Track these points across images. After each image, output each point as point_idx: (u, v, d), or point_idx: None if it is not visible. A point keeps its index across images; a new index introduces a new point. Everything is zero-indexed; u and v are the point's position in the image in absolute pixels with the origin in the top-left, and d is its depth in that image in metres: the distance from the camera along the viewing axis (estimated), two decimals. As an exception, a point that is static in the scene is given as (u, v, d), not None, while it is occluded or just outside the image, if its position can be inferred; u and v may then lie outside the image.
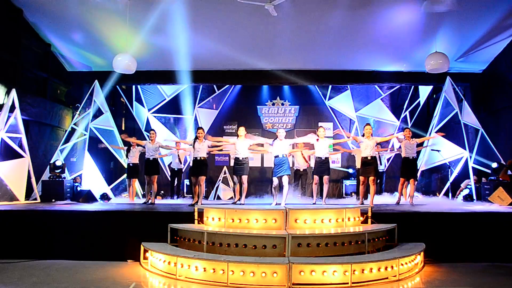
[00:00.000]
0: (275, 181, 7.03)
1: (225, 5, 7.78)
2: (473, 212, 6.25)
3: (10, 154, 7.94)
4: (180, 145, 10.21)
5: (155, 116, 11.92)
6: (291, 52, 9.45)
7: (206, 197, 10.88)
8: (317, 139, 7.47)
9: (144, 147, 8.39)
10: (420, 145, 8.53)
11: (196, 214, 5.91)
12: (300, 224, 5.47)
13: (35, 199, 8.33)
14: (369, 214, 5.95)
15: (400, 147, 8.16)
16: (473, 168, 9.30)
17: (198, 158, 7.48)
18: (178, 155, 10.21)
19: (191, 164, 8.24)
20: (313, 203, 7.43)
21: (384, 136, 7.99)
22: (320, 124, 11.56)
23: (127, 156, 8.98)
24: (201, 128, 7.72)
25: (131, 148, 8.82)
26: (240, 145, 7.42)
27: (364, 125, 7.90)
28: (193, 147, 7.52)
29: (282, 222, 5.42)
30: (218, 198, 11.17)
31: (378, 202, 7.98)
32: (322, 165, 7.44)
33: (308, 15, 8.10)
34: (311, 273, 4.51)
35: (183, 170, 10.65)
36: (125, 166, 9.45)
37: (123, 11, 7.93)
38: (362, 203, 7.53)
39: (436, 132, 9.75)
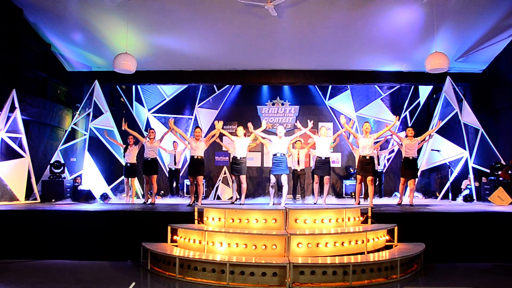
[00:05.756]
0: (273, 178, 7.04)
1: (225, 5, 7.78)
2: (473, 212, 6.25)
3: (10, 154, 7.95)
4: (178, 146, 10.23)
5: (155, 116, 11.93)
6: (291, 52, 9.45)
7: (206, 197, 10.89)
8: (318, 134, 7.52)
9: (143, 144, 8.37)
10: (421, 141, 8.45)
11: (196, 214, 5.91)
12: (300, 224, 5.47)
13: (35, 199, 8.33)
14: (369, 214, 5.95)
15: (401, 143, 8.06)
16: (473, 168, 9.29)
17: (195, 157, 7.51)
18: (175, 156, 10.23)
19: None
20: (314, 203, 7.44)
21: (379, 131, 7.89)
22: (320, 124, 11.58)
23: (124, 156, 8.97)
24: (198, 127, 7.77)
25: (129, 147, 8.80)
26: (239, 144, 7.43)
27: (363, 123, 7.88)
28: (191, 146, 7.57)
29: (282, 222, 5.42)
30: (218, 198, 11.17)
31: (378, 203, 7.98)
32: (323, 165, 7.45)
33: (308, 15, 8.10)
34: (311, 273, 4.51)
35: (181, 170, 10.68)
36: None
37: (123, 11, 7.93)
38: (359, 203, 7.54)
39: (435, 131, 9.75)
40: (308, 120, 7.42)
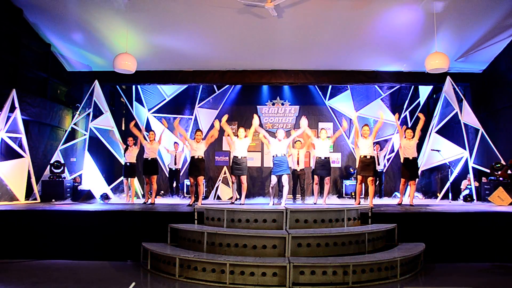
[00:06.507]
0: (274, 179, 7.04)
1: (224, 5, 7.77)
2: (473, 212, 6.24)
3: (10, 154, 7.95)
4: (178, 147, 10.22)
5: (155, 116, 11.92)
6: (291, 52, 9.45)
7: (206, 197, 10.89)
8: (317, 137, 7.55)
9: (142, 146, 8.44)
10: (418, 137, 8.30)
11: (196, 214, 5.91)
12: (300, 224, 5.47)
13: (35, 199, 8.33)
14: (369, 214, 5.95)
15: (398, 149, 8.10)
16: (473, 168, 9.29)
17: (196, 157, 7.52)
18: (175, 156, 10.23)
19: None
20: (314, 203, 7.44)
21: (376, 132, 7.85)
22: (320, 124, 11.60)
23: (124, 156, 8.99)
24: (199, 130, 7.78)
25: (129, 147, 8.81)
26: (239, 144, 7.45)
27: (362, 125, 7.85)
28: (191, 147, 7.58)
29: (282, 222, 5.42)
30: (218, 198, 11.17)
31: (378, 203, 7.97)
32: (323, 165, 7.47)
33: (308, 15, 8.09)
34: (311, 273, 4.51)
35: (181, 170, 10.69)
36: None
37: (123, 11, 7.93)
38: (359, 203, 7.55)
39: (436, 132, 9.76)
40: (303, 117, 7.45)
